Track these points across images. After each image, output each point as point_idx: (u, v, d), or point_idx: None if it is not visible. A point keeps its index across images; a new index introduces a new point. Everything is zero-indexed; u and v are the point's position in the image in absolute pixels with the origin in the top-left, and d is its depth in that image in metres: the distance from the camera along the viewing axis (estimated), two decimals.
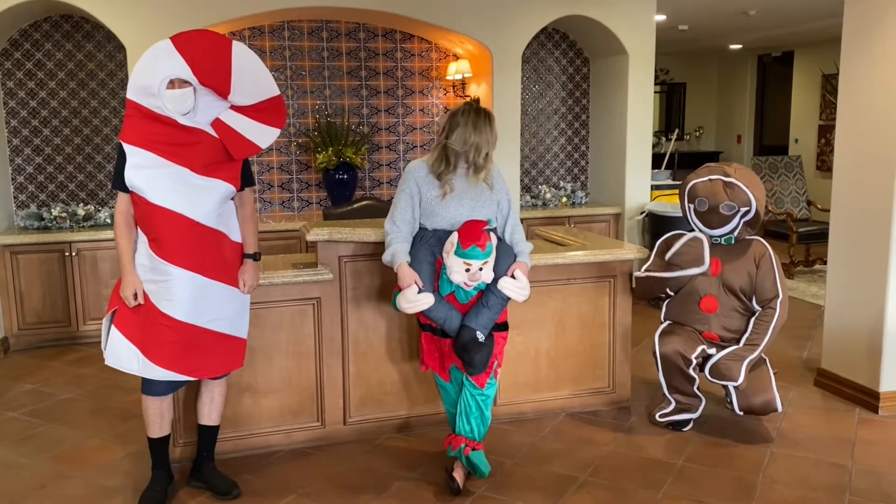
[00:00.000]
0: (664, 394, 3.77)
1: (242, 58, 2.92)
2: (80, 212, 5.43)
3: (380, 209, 4.76)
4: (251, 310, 3.33)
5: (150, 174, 2.83)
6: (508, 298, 3.06)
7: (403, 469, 3.35)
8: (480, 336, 2.98)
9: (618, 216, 6.45)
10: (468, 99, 6.25)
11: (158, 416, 3.06)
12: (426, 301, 2.96)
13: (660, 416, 3.78)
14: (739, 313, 3.65)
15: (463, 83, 6.42)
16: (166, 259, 2.87)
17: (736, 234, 3.65)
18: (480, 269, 2.96)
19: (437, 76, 6.36)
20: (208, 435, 3.20)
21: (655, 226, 6.06)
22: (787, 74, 10.92)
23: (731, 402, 3.64)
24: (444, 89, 6.40)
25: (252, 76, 2.96)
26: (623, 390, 4.03)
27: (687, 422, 3.75)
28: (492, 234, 3.00)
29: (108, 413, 4.01)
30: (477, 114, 3.04)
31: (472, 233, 2.96)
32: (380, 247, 3.50)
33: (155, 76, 2.81)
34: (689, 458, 3.43)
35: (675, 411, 3.75)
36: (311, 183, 6.19)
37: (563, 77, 6.72)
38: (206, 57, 2.86)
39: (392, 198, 6.35)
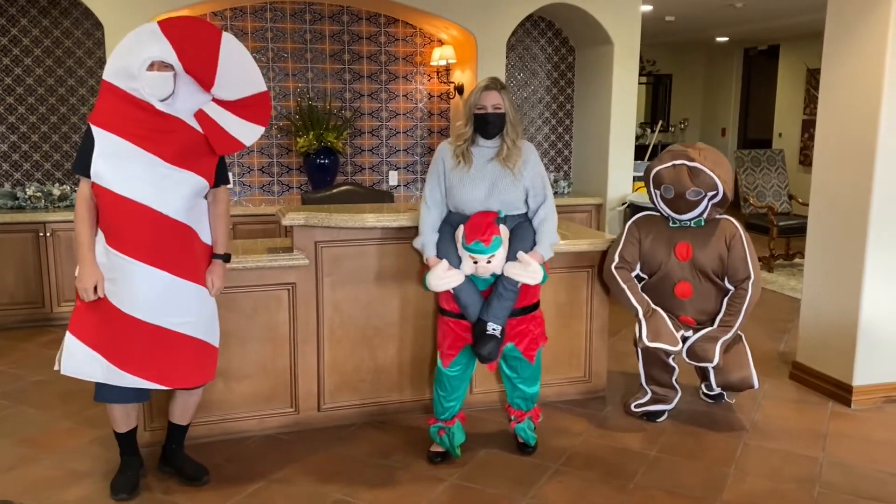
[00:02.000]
0: (641, 384, 3.78)
1: (231, 51, 2.82)
2: (56, 192, 5.35)
3: (360, 195, 4.73)
4: (226, 294, 3.29)
5: (117, 163, 2.69)
6: (519, 283, 3.05)
7: (377, 456, 3.33)
8: (492, 328, 3.01)
9: (599, 207, 6.45)
10: (452, 85, 6.24)
11: (125, 415, 2.96)
12: (456, 278, 3.01)
13: (635, 406, 3.79)
14: (714, 295, 3.62)
15: (447, 69, 6.37)
16: (127, 254, 2.70)
17: (705, 216, 3.60)
18: (488, 262, 2.98)
19: (421, 62, 6.31)
20: (178, 431, 3.14)
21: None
22: (773, 68, 10.94)
23: (709, 384, 3.72)
24: (428, 75, 6.35)
25: (239, 70, 2.86)
26: (599, 380, 4.03)
27: (661, 413, 3.76)
28: (501, 227, 2.99)
29: (80, 396, 3.95)
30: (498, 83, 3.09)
31: (478, 226, 2.97)
32: (357, 232, 3.48)
33: (136, 57, 2.69)
34: (663, 448, 3.44)
35: (651, 402, 3.76)
36: (292, 167, 6.13)
37: (549, 66, 6.69)
38: (194, 44, 2.76)
39: (373, 184, 6.35)
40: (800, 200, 7.56)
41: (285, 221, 3.41)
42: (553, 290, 3.85)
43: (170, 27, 2.76)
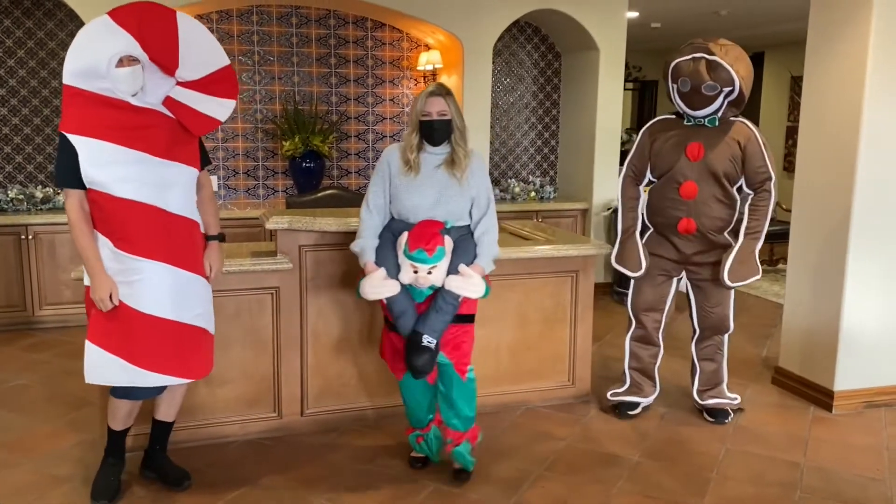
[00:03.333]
0: (623, 371, 3.87)
1: (189, 28, 2.73)
2: (38, 194, 5.31)
3: (344, 198, 4.72)
4: None
5: (111, 168, 2.62)
6: (459, 297, 2.93)
7: (360, 462, 3.32)
8: (427, 341, 2.88)
9: (585, 212, 6.47)
10: None
11: (128, 414, 2.93)
12: (392, 289, 2.90)
13: (611, 395, 3.87)
14: (718, 200, 3.55)
15: (434, 74, 6.38)
16: (140, 255, 2.68)
17: (720, 115, 3.53)
18: (429, 272, 2.87)
19: (407, 66, 6.31)
20: (163, 429, 3.12)
21: None
22: (757, 75, 11.00)
23: (701, 394, 3.82)
24: (415, 79, 6.35)
25: (199, 47, 2.77)
26: (583, 385, 4.04)
27: (634, 405, 3.82)
28: (446, 238, 2.90)
29: (61, 400, 3.92)
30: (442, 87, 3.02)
31: (422, 235, 2.87)
32: (341, 236, 3.47)
33: (100, 55, 2.59)
34: (646, 453, 3.45)
35: (628, 391, 3.83)
36: (278, 171, 6.11)
37: (535, 71, 6.71)
38: (152, 30, 2.66)
39: (359, 188, 6.34)
40: (784, 207, 7.61)
41: (269, 225, 3.40)
42: (538, 295, 3.86)
43: (124, 17, 2.65)
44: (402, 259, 2.91)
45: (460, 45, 5.85)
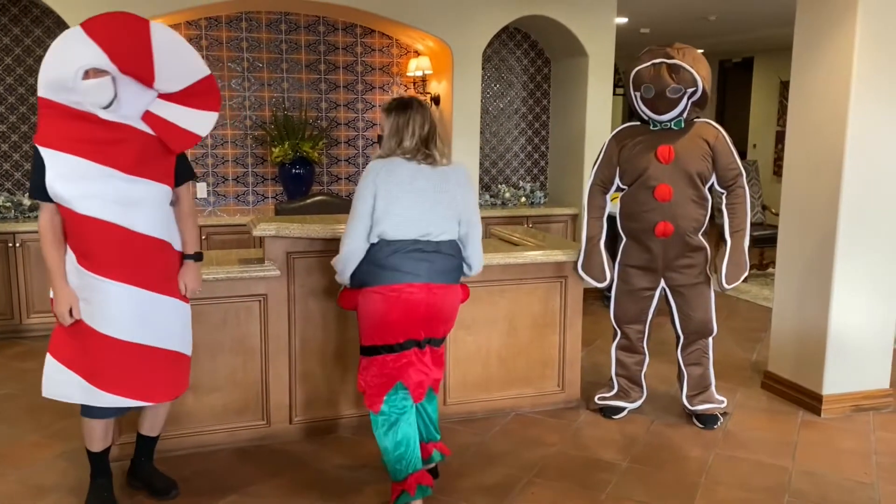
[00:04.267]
0: (611, 376, 3.90)
1: (163, 38, 2.65)
2: (26, 202, 5.29)
3: (334, 205, 4.71)
4: (196, 305, 3.26)
5: (74, 182, 2.57)
6: None
7: (348, 470, 3.31)
8: None
9: (575, 217, 6.48)
10: (429, 96, 6.25)
11: (103, 434, 2.87)
12: None
13: (598, 399, 3.89)
14: (692, 201, 3.58)
15: (423, 80, 6.38)
16: (100, 273, 2.62)
17: (685, 115, 3.57)
18: None
19: (397, 72, 6.32)
20: (148, 443, 3.09)
21: (612, 227, 6.08)
22: (747, 80, 11.09)
23: (690, 399, 3.83)
24: (405, 86, 6.36)
25: (176, 58, 2.69)
26: (573, 390, 4.04)
27: (620, 409, 3.85)
28: None
29: (47, 410, 3.89)
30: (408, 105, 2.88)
31: None
32: (329, 243, 3.46)
33: (68, 67, 2.54)
34: (635, 458, 3.44)
35: (615, 396, 3.87)
36: (267, 177, 6.10)
37: (525, 77, 6.73)
38: (123, 41, 2.59)
39: (349, 194, 6.34)
40: (773, 211, 7.64)
41: (256, 232, 3.39)
42: (527, 301, 3.86)
43: (95, 28, 2.59)
44: None
45: (450, 51, 5.86)
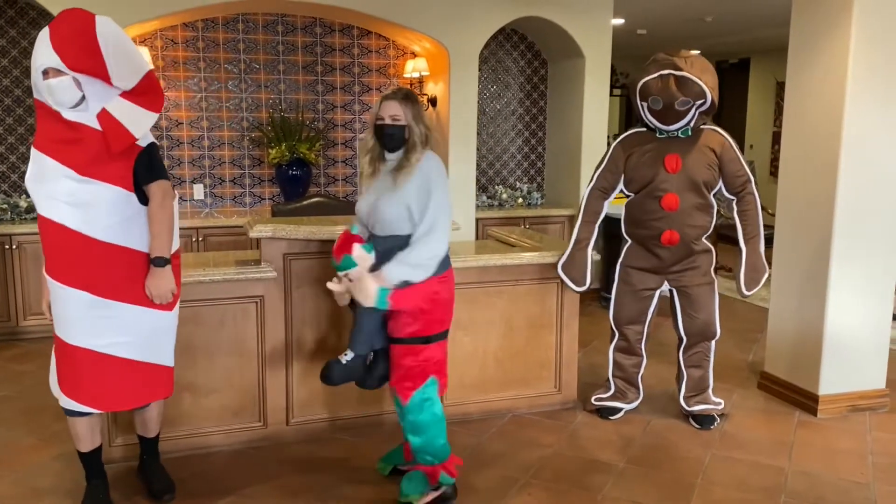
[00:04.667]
0: (607, 377, 3.91)
1: (108, 34, 2.55)
2: (23, 203, 5.28)
3: (330, 206, 4.71)
4: (192, 307, 3.28)
5: (40, 181, 2.59)
6: (371, 308, 2.79)
7: (346, 471, 3.31)
8: (343, 357, 2.91)
9: (572, 218, 6.46)
10: (426, 98, 6.25)
11: (89, 431, 2.86)
12: (334, 288, 2.92)
13: (595, 400, 3.90)
14: (698, 209, 3.58)
15: (420, 81, 6.39)
16: (53, 276, 2.63)
17: (692, 124, 3.55)
18: (349, 277, 2.81)
19: (394, 73, 6.32)
20: (147, 443, 3.09)
21: (609, 228, 6.10)
22: (744, 81, 11.10)
23: (687, 399, 3.83)
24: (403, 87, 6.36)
25: (123, 54, 2.58)
26: (569, 391, 4.04)
27: (617, 410, 3.87)
28: (356, 247, 2.80)
29: (44, 412, 3.89)
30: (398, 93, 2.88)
31: (340, 246, 2.86)
32: (326, 244, 3.46)
33: (34, 67, 2.54)
34: (632, 459, 3.45)
35: (611, 397, 3.88)
36: (264, 178, 6.10)
37: (521, 78, 6.73)
38: (71, 39, 2.52)
39: (346, 196, 6.33)
40: (770, 212, 7.64)
41: (252, 234, 3.39)
42: (524, 302, 3.86)
43: (53, 26, 2.55)
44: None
45: (446, 53, 5.86)
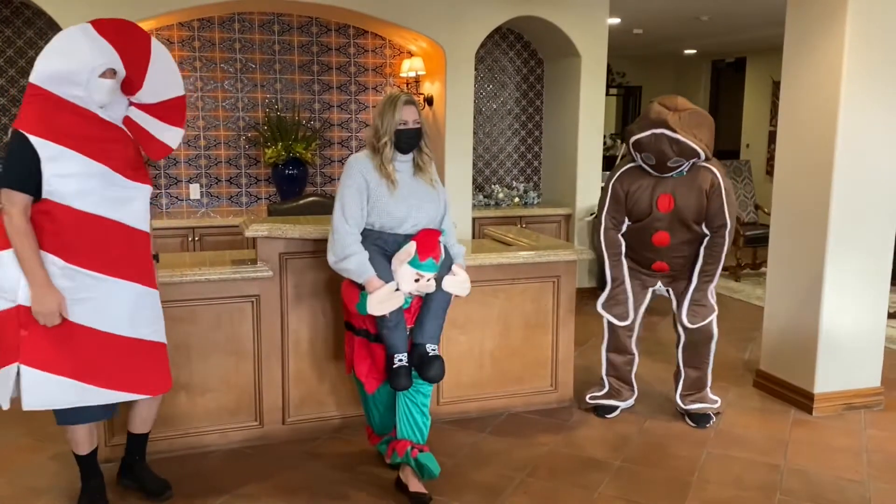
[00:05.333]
0: (601, 376, 3.92)
1: (160, 54, 2.82)
2: None
3: (326, 206, 4.70)
4: (188, 306, 3.29)
5: (73, 179, 2.55)
6: (450, 298, 3.03)
7: (341, 470, 3.31)
8: (430, 349, 2.96)
9: (569, 217, 6.49)
10: (422, 97, 6.25)
11: (88, 435, 2.87)
12: (398, 300, 2.88)
13: (589, 398, 3.92)
14: (688, 243, 3.66)
15: (416, 81, 6.39)
16: (98, 270, 2.62)
17: (686, 169, 3.58)
18: (428, 280, 2.91)
19: (390, 73, 6.32)
20: (139, 441, 3.09)
21: None
22: (740, 80, 11.11)
23: (684, 398, 3.83)
24: (398, 86, 6.36)
25: (166, 74, 2.85)
26: (565, 390, 4.05)
27: (612, 409, 3.88)
28: (443, 248, 2.98)
29: (39, 413, 3.83)
30: (400, 98, 2.97)
31: (430, 244, 2.91)
32: (322, 244, 3.46)
33: (83, 63, 2.56)
34: (627, 458, 3.46)
35: (606, 395, 3.89)
36: (261, 178, 6.10)
37: (518, 77, 6.74)
38: (132, 48, 2.72)
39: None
40: (766, 211, 7.68)
41: (248, 233, 3.39)
42: (520, 300, 3.87)
43: (107, 29, 2.67)
44: (404, 269, 2.89)
45: (443, 52, 5.86)
